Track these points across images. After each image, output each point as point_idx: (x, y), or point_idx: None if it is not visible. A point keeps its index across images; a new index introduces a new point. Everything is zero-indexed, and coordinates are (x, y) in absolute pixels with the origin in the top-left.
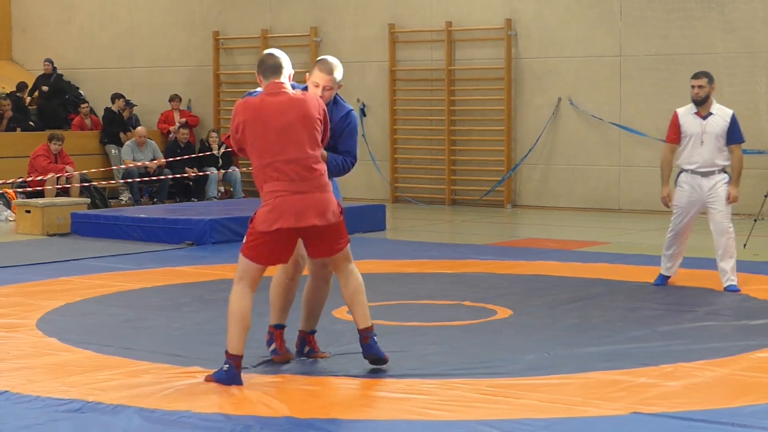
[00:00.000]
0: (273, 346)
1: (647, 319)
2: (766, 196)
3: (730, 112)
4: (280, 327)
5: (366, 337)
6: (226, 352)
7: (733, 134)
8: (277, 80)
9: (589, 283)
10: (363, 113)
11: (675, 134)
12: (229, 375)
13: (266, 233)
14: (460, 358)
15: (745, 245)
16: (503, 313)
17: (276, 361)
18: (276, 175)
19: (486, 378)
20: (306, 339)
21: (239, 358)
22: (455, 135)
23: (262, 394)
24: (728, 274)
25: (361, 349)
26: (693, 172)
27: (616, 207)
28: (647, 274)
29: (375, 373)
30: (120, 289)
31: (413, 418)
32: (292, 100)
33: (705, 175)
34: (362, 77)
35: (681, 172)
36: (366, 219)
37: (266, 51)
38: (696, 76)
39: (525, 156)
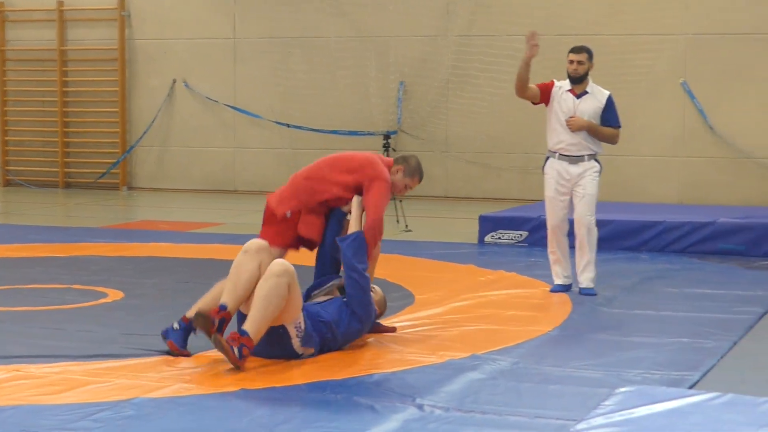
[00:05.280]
0: None
1: None
2: None
3: (606, 93)
4: None
5: None
6: None
7: (609, 117)
8: None
9: (202, 263)
10: None
11: (542, 88)
12: None
13: None
14: (69, 342)
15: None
16: (114, 295)
17: None
18: None
19: (97, 360)
20: None
21: None
22: (68, 117)
23: None
24: (582, 273)
25: None
26: (561, 156)
27: (232, 188)
28: None
29: None
30: None
31: (19, 403)
32: None
33: (574, 161)
34: None
35: (547, 158)
36: None
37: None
38: (576, 50)
39: (140, 138)
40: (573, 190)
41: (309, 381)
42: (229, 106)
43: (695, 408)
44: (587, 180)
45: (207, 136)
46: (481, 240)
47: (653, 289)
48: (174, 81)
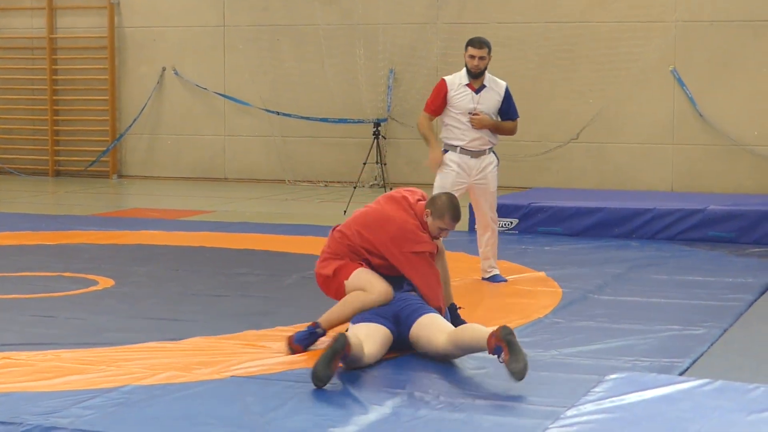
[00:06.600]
0: None
1: (249, 285)
2: (364, 164)
3: (503, 84)
4: None
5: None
6: None
7: (508, 108)
8: None
9: (193, 251)
10: None
11: (438, 106)
12: None
13: None
14: (59, 329)
15: (345, 212)
16: (105, 283)
17: None
18: None
19: (87, 348)
20: None
21: None
22: (58, 105)
23: None
24: (492, 266)
25: None
26: (462, 150)
27: (222, 176)
28: (250, 241)
29: None
30: None
31: (9, 390)
32: None
33: (475, 155)
34: None
35: (446, 151)
36: None
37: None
38: (477, 44)
39: (130, 126)
40: (474, 184)
41: (299, 368)
42: (218, 93)
43: (685, 395)
44: (490, 177)
45: (197, 124)
46: (471, 228)
47: (643, 277)
48: (164, 69)
